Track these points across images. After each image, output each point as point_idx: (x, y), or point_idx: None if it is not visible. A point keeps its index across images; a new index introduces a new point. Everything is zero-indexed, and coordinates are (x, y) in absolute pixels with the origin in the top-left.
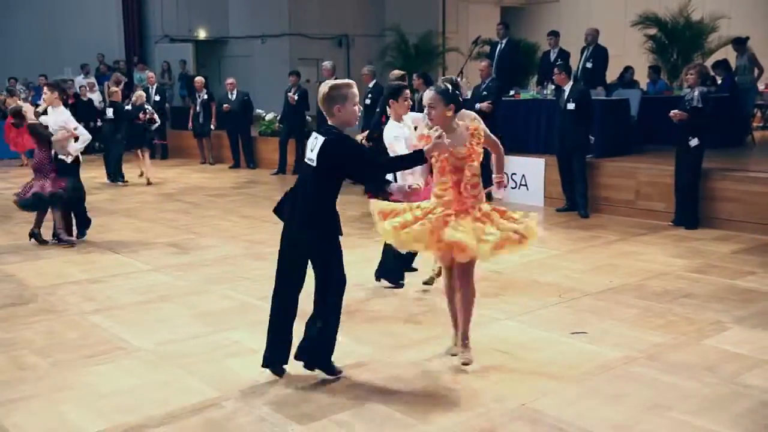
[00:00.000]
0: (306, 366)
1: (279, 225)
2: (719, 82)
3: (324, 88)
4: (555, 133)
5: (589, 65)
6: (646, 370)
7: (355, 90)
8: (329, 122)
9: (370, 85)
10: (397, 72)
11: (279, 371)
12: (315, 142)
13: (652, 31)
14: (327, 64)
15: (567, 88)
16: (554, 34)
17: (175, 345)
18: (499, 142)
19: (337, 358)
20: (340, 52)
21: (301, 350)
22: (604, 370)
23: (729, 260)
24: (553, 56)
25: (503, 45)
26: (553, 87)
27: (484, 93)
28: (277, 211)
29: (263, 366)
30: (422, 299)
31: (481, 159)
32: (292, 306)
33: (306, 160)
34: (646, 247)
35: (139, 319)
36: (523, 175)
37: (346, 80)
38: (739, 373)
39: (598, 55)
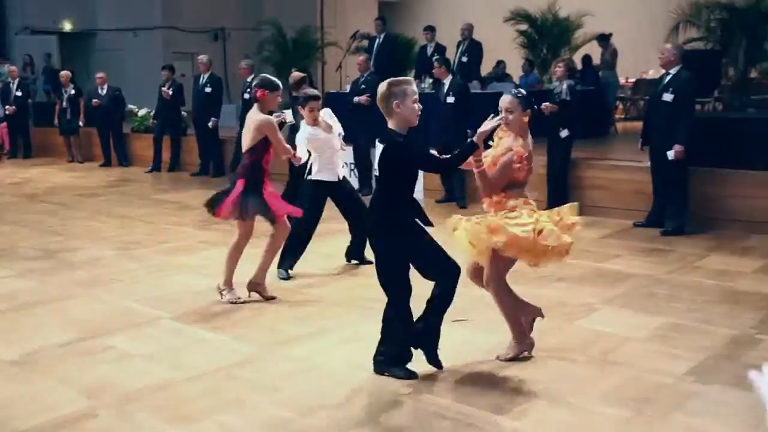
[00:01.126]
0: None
1: (154, 224)
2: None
3: (382, 86)
4: (435, 126)
5: (464, 59)
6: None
7: (414, 87)
8: (389, 124)
9: (249, 80)
10: (296, 74)
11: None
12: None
13: (524, 26)
14: (203, 57)
15: (447, 82)
16: (430, 29)
17: (45, 354)
18: None
19: (220, 358)
20: (216, 45)
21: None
22: (484, 354)
23: (597, 245)
24: (429, 51)
25: (381, 39)
26: (431, 81)
27: (363, 87)
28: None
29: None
30: (307, 292)
31: None
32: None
33: None
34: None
35: (4, 329)
36: None
37: (405, 77)
38: (608, 351)
39: (474, 50)
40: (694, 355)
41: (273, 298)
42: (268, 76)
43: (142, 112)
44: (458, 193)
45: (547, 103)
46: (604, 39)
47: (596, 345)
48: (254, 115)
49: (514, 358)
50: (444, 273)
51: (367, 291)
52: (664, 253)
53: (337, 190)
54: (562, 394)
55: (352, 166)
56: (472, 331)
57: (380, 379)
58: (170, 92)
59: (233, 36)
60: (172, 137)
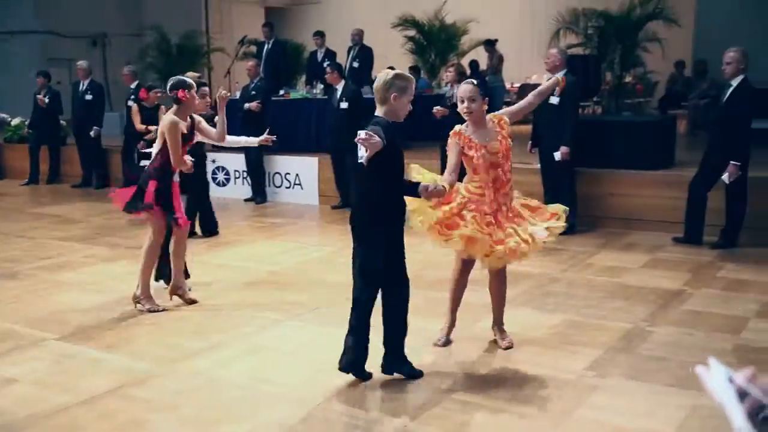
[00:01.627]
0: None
1: (34, 240)
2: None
3: (388, 74)
4: (328, 131)
5: (356, 65)
6: (430, 356)
7: (413, 89)
8: (378, 111)
9: (132, 86)
10: (192, 74)
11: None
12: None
13: (412, 32)
14: (83, 63)
15: (339, 87)
16: (320, 35)
17: None
18: (523, 103)
19: (114, 378)
20: (96, 51)
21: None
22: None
23: None
24: (320, 56)
25: (270, 45)
26: (322, 86)
27: (253, 93)
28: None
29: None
30: (204, 306)
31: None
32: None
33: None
34: (418, 239)
35: None
36: (297, 175)
37: (409, 75)
38: (511, 350)
39: (364, 55)
40: (593, 351)
41: (195, 301)
42: (180, 77)
43: (15, 121)
44: None
45: (439, 107)
46: (490, 44)
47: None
48: (166, 116)
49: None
50: (405, 280)
51: (262, 302)
52: (558, 252)
53: None
54: (468, 393)
55: (245, 174)
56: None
57: (284, 391)
58: (46, 100)
59: (114, 41)
60: (51, 147)
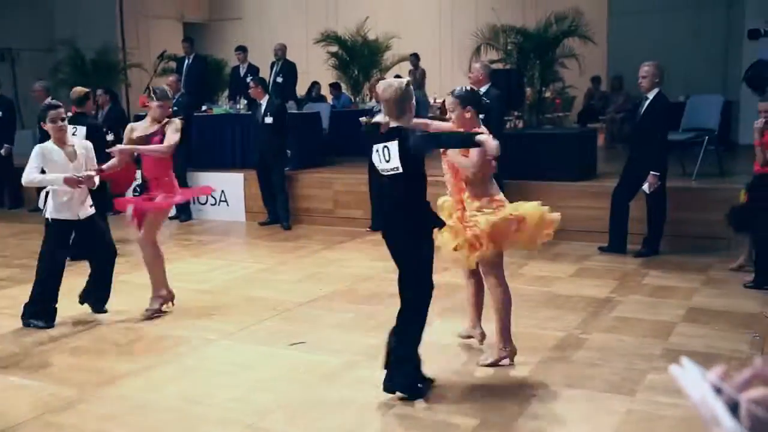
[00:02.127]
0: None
1: None
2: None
3: (401, 84)
4: (253, 147)
5: (279, 80)
6: (366, 371)
7: None
8: (398, 123)
9: (46, 103)
10: (79, 89)
11: None
12: (385, 151)
13: (334, 48)
14: None
15: (263, 102)
16: (242, 50)
17: None
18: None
19: (37, 406)
20: (4, 67)
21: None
22: (328, 378)
23: None
24: (242, 71)
25: (190, 60)
26: (245, 101)
27: (175, 108)
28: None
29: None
30: (131, 328)
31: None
32: None
33: (387, 173)
34: (349, 253)
35: None
36: (223, 191)
37: None
38: (450, 361)
39: (288, 70)
40: (529, 359)
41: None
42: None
43: None
44: (282, 215)
45: (364, 118)
46: (416, 58)
47: (437, 357)
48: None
49: (494, 364)
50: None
51: (190, 321)
52: None
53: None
54: (408, 407)
55: None
56: (307, 353)
57: (218, 412)
58: None
59: (24, 57)
60: None
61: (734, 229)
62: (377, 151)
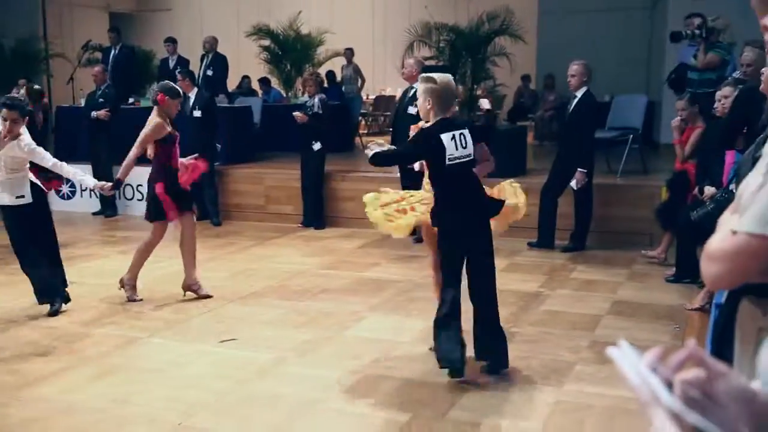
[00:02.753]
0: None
1: None
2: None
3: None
4: (181, 140)
5: (210, 73)
6: (297, 368)
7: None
8: (445, 115)
9: None
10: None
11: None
12: (462, 138)
13: (266, 42)
14: None
15: (192, 95)
16: (172, 41)
17: None
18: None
19: None
20: None
21: None
22: (258, 374)
23: (356, 255)
24: (172, 63)
25: (117, 51)
26: None
27: (101, 100)
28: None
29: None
30: (52, 327)
31: None
32: None
33: (458, 160)
34: (281, 249)
35: None
36: (140, 186)
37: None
38: (380, 357)
39: (218, 63)
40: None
41: (210, 296)
42: (169, 82)
43: None
44: (212, 211)
45: (299, 113)
46: (351, 52)
47: (368, 352)
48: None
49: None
50: None
51: (116, 319)
52: (419, 259)
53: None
54: (338, 402)
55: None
56: (238, 350)
57: (145, 411)
58: None
59: None
60: None
61: (662, 226)
62: (454, 134)
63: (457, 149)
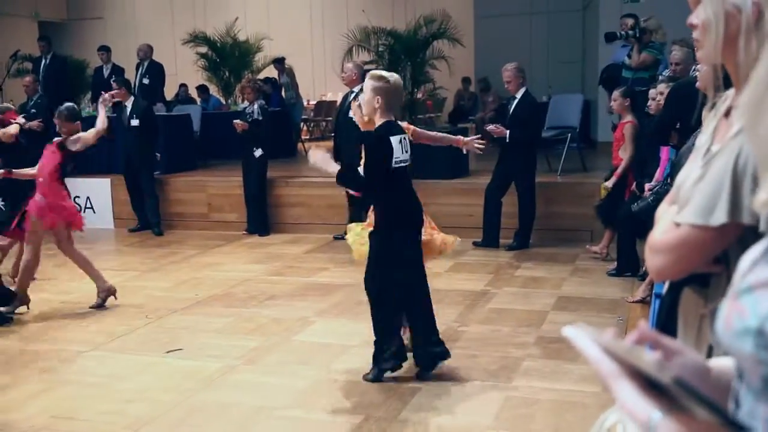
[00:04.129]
0: None
1: None
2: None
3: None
4: (119, 150)
5: (146, 81)
6: (247, 375)
7: None
8: (392, 118)
9: None
10: None
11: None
12: (405, 142)
13: (203, 49)
14: None
15: (129, 104)
16: (105, 50)
17: None
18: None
19: None
20: None
21: None
22: (206, 384)
23: (303, 260)
24: (106, 72)
25: (48, 61)
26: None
27: (33, 111)
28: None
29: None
30: None
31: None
32: None
33: (402, 164)
34: (225, 257)
35: None
36: (88, 197)
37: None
38: (330, 361)
39: (154, 71)
40: (410, 353)
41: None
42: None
43: None
44: (153, 220)
45: (239, 120)
46: (279, 62)
47: (318, 357)
48: None
49: None
50: None
51: (57, 334)
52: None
53: None
54: (290, 408)
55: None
56: (185, 360)
57: (89, 427)
58: None
59: None
60: None
61: (603, 223)
62: (401, 138)
63: (402, 153)
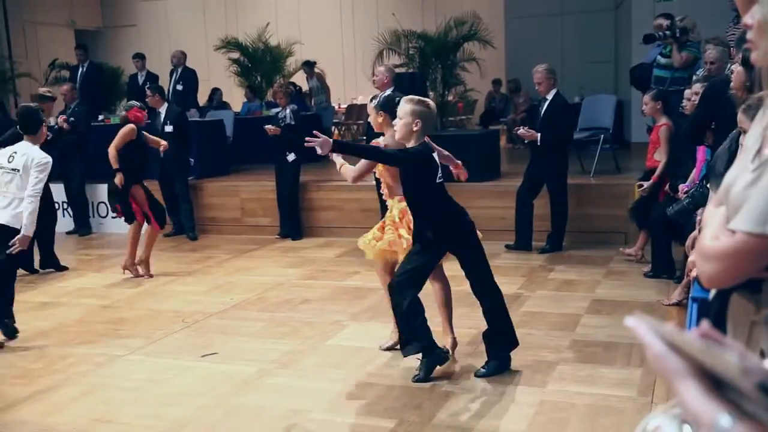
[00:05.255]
0: None
1: None
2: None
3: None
4: (154, 157)
5: (179, 87)
6: (281, 379)
7: None
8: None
9: None
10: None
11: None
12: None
13: (236, 55)
14: None
15: (162, 111)
16: (140, 57)
17: None
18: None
19: None
20: None
21: None
22: (242, 387)
23: (335, 264)
24: (141, 79)
25: (84, 68)
26: (145, 110)
27: (72, 119)
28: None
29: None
30: (30, 349)
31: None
32: None
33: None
34: (259, 261)
35: None
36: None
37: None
38: (363, 365)
39: (188, 77)
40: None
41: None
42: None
43: None
44: (187, 225)
45: (271, 125)
46: (309, 65)
47: (351, 360)
48: None
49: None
50: None
51: (95, 338)
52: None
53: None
54: (324, 412)
55: (66, 205)
56: (220, 364)
57: (128, 430)
58: None
59: None
60: None
61: (637, 225)
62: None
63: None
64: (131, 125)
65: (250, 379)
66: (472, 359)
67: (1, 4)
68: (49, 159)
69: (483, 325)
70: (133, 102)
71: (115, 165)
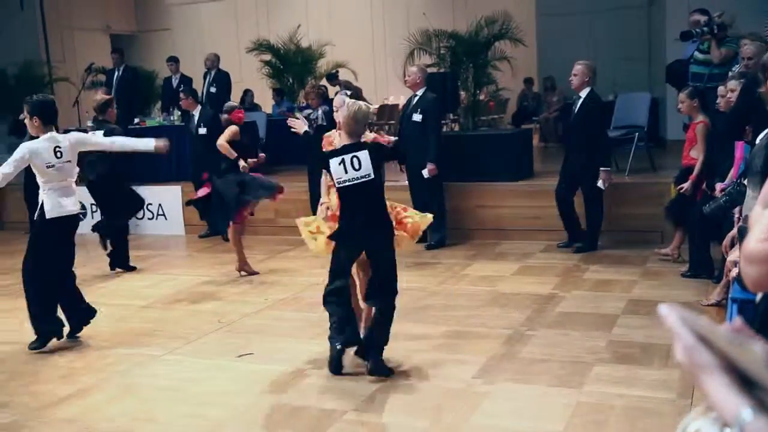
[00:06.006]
0: None
1: None
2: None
3: (367, 106)
4: (188, 158)
5: (213, 90)
6: (316, 379)
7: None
8: (351, 141)
9: None
10: (99, 97)
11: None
12: (355, 161)
13: (267, 57)
14: None
15: (196, 113)
16: (174, 60)
17: None
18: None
19: None
20: None
21: None
22: (277, 387)
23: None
24: (175, 82)
25: (120, 72)
26: (179, 113)
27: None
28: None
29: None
30: (71, 348)
31: None
32: None
33: (354, 183)
34: (293, 262)
35: None
36: (160, 205)
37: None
38: (398, 365)
39: (221, 80)
40: (478, 358)
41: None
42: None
43: None
44: (222, 226)
45: (292, 119)
46: (332, 78)
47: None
48: None
49: None
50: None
51: (134, 338)
52: (432, 266)
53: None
54: (359, 412)
55: (94, 207)
56: (256, 364)
57: (168, 429)
58: None
59: None
60: None
61: (673, 224)
62: (344, 158)
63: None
64: (235, 126)
65: (286, 379)
66: (508, 361)
67: (39, 11)
68: (26, 144)
69: (520, 326)
70: (233, 103)
71: (232, 155)
